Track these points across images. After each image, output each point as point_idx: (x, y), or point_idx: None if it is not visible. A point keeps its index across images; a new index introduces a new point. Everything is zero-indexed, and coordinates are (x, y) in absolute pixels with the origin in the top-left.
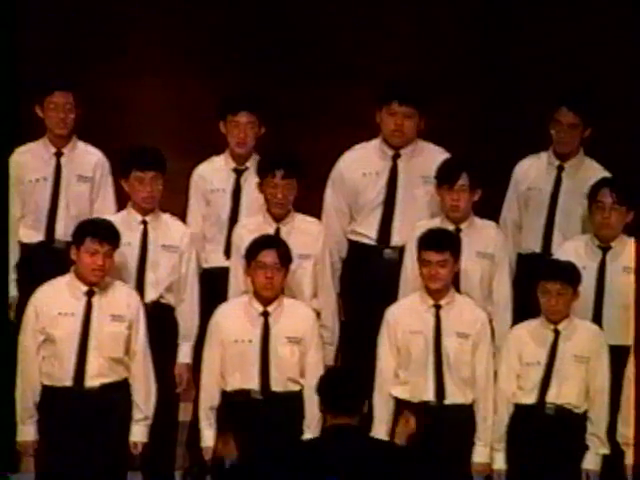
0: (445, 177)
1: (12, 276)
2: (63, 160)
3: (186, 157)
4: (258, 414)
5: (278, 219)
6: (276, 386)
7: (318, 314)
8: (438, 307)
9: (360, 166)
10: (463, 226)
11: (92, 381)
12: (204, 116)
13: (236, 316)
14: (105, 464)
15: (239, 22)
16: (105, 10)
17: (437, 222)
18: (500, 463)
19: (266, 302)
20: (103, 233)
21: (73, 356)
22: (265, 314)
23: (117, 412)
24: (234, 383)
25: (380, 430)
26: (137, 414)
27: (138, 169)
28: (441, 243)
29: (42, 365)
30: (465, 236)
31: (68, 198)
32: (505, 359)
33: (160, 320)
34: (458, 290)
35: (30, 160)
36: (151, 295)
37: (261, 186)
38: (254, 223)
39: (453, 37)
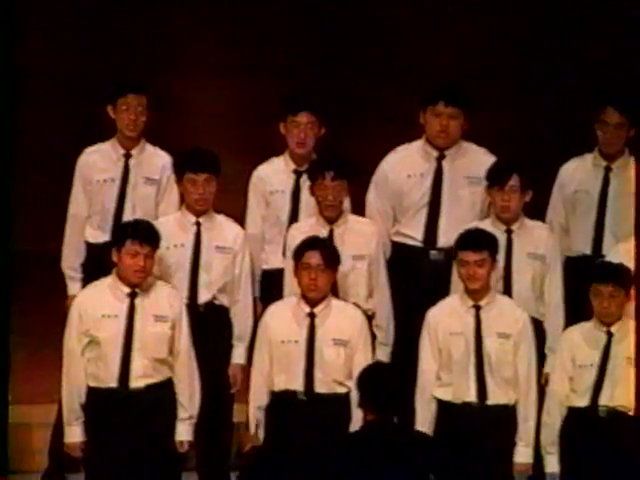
0: (496, 178)
1: (78, 275)
2: (131, 162)
3: (243, 158)
4: (303, 415)
5: (331, 221)
6: (321, 388)
7: (372, 315)
8: (478, 308)
9: (404, 168)
10: (514, 227)
11: (137, 382)
12: (261, 117)
13: (284, 317)
14: (157, 464)
15: (295, 24)
16: (164, 12)
17: (488, 223)
18: (553, 466)
19: (313, 303)
20: (143, 234)
21: (117, 357)
22: (312, 315)
23: (162, 412)
24: (280, 384)
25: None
26: (182, 413)
27: (191, 171)
28: (478, 243)
29: (87, 367)
30: (516, 237)
31: (134, 200)
32: (558, 362)
33: (214, 321)
34: (510, 291)
35: (99, 160)
36: (205, 296)
37: (312, 188)
38: (307, 225)
39: (498, 38)
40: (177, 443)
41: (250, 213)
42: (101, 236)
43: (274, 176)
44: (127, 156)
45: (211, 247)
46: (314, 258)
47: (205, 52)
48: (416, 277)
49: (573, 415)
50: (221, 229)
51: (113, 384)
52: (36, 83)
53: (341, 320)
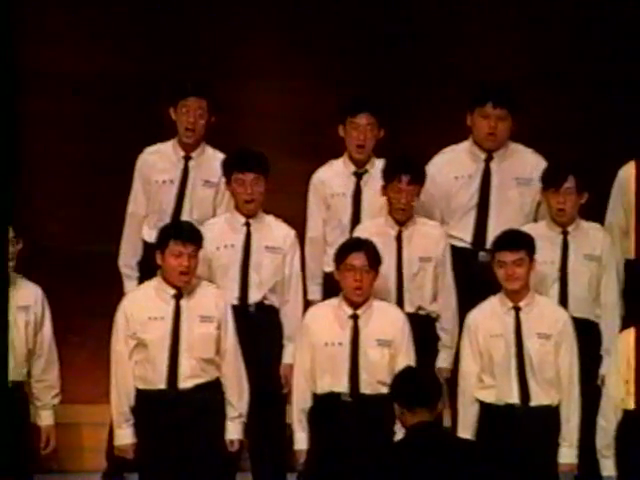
0: (551, 180)
1: (134, 273)
2: (191, 164)
3: (299, 160)
4: (348, 417)
5: (400, 223)
6: (365, 389)
7: (436, 317)
8: (518, 309)
9: (451, 169)
10: (570, 229)
11: (185, 382)
12: (317, 119)
13: (326, 319)
14: (209, 463)
15: (349, 27)
16: (220, 12)
17: (543, 225)
18: (609, 470)
19: (355, 305)
20: (186, 234)
21: (165, 359)
22: (354, 317)
23: (211, 411)
24: (324, 386)
25: (464, 435)
26: (231, 412)
27: (239, 171)
28: (515, 243)
29: (135, 369)
30: (572, 239)
31: (192, 202)
32: (613, 364)
33: (264, 321)
34: (566, 293)
35: (158, 161)
36: (255, 296)
37: (385, 189)
38: (375, 226)
39: (550, 37)
40: (228, 442)
41: (311, 216)
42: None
43: (334, 179)
44: (187, 158)
45: (261, 247)
46: (359, 259)
47: (262, 54)
48: (465, 278)
49: (629, 418)
50: (270, 229)
51: (162, 385)
52: (98, 84)
53: (384, 321)
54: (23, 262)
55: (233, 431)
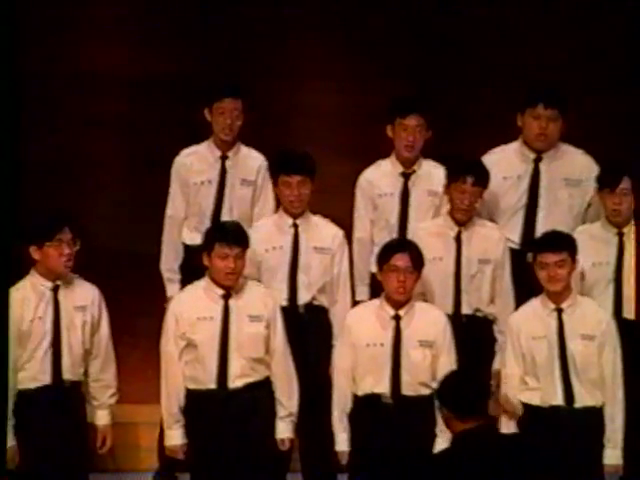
0: (606, 181)
1: (176, 277)
2: (228, 164)
3: (346, 160)
4: (389, 418)
5: (460, 223)
6: (407, 390)
7: (493, 320)
8: (560, 310)
9: (500, 170)
10: (625, 230)
11: (235, 382)
12: (365, 119)
13: (368, 320)
14: (260, 462)
15: (399, 27)
16: (270, 13)
17: (598, 226)
18: None
19: (398, 306)
20: (231, 236)
21: (215, 359)
22: (397, 318)
23: (262, 410)
24: (365, 387)
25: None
26: (281, 411)
27: (285, 173)
28: (557, 244)
29: (185, 370)
30: (627, 240)
31: (232, 201)
32: None
33: (314, 322)
34: (620, 294)
35: (196, 163)
36: (304, 297)
37: (448, 189)
38: (435, 225)
39: (602, 36)
40: (278, 441)
41: (358, 217)
42: (199, 237)
43: (382, 179)
44: (223, 158)
45: (309, 248)
46: (402, 260)
47: (311, 55)
48: (514, 279)
49: None
50: (318, 230)
51: (212, 385)
52: (149, 86)
53: (425, 322)
54: (78, 263)
55: (283, 430)
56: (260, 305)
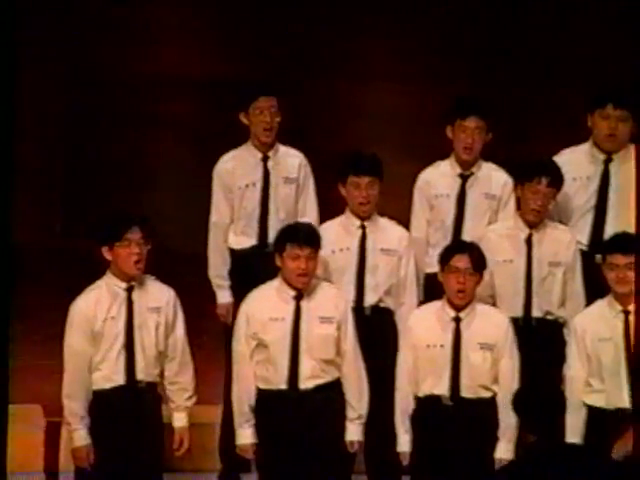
0: None
1: (226, 283)
2: (270, 164)
3: (411, 161)
4: (448, 420)
5: (531, 225)
6: (466, 392)
7: (564, 323)
8: (627, 313)
9: (570, 170)
10: None
11: (306, 383)
12: (428, 121)
13: (428, 321)
14: (328, 463)
15: (460, 30)
16: (334, 15)
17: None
18: None
19: (458, 308)
20: (302, 237)
21: (286, 360)
22: (457, 320)
23: (332, 412)
24: (425, 389)
25: (573, 440)
26: (351, 413)
27: (354, 174)
28: (627, 245)
29: (256, 369)
30: None
31: (277, 201)
32: None
33: (380, 324)
34: None
35: (238, 167)
36: (371, 299)
37: (521, 189)
38: (505, 227)
39: None
40: (347, 443)
41: (415, 217)
42: (247, 241)
43: (439, 180)
44: (265, 159)
45: (376, 250)
46: (462, 262)
47: (373, 57)
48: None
49: None
50: (385, 232)
51: (283, 386)
52: (205, 86)
53: (486, 324)
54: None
55: (353, 432)
56: (331, 307)
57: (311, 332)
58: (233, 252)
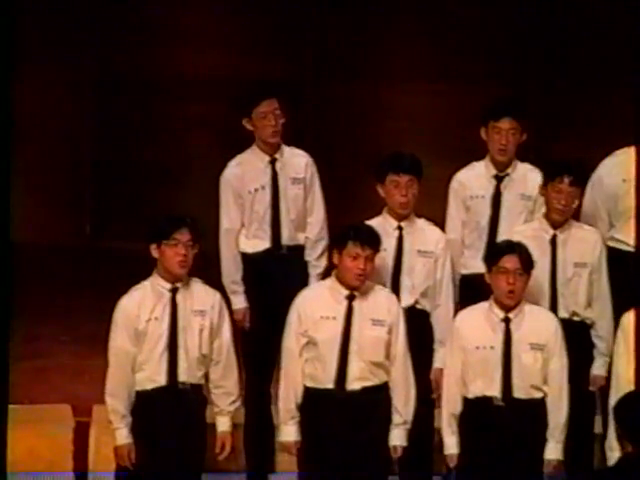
0: None
1: (240, 288)
2: (278, 166)
3: (443, 162)
4: (500, 421)
5: (556, 226)
6: (518, 393)
7: (591, 324)
8: None
9: (620, 172)
10: None
11: (353, 384)
12: (461, 122)
13: (477, 322)
14: (369, 467)
15: (497, 27)
16: (365, 16)
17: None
18: None
19: (507, 308)
20: (365, 237)
21: (335, 359)
22: (506, 320)
23: (377, 415)
24: (476, 390)
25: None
26: (397, 418)
27: (394, 173)
28: None
29: (305, 367)
30: None
31: (287, 202)
32: None
33: (416, 325)
34: None
35: (246, 171)
36: (407, 300)
37: (545, 189)
38: (530, 229)
39: None
40: (391, 448)
41: (450, 218)
42: (260, 245)
43: (475, 181)
44: (272, 162)
45: (413, 251)
46: (511, 262)
47: (405, 57)
48: (628, 282)
49: None
50: (423, 233)
51: (330, 385)
52: (237, 87)
53: (536, 324)
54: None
55: (397, 437)
56: (384, 310)
57: (362, 333)
58: (246, 256)
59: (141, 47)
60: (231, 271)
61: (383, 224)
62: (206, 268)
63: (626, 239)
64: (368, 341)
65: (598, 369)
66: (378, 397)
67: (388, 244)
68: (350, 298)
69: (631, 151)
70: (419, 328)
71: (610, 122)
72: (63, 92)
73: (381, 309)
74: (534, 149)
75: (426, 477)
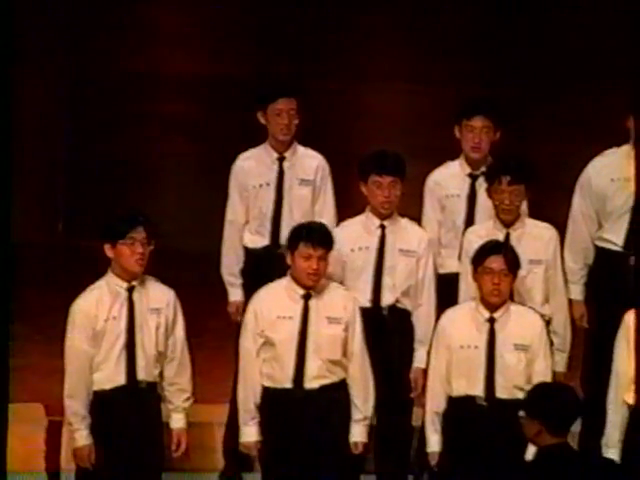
0: None
1: (238, 281)
2: (286, 165)
3: (418, 162)
4: (483, 421)
5: (507, 224)
6: (501, 393)
7: (549, 320)
8: None
9: (609, 172)
10: None
11: (311, 383)
12: (437, 122)
13: (462, 322)
14: (333, 464)
15: (470, 28)
16: (340, 17)
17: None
18: None
19: (493, 308)
20: (316, 237)
21: (292, 359)
22: (491, 320)
23: (337, 413)
24: (459, 389)
25: (613, 435)
26: (356, 414)
27: (377, 173)
28: None
29: (263, 367)
30: None
31: (291, 202)
32: None
33: (396, 324)
34: None
35: (254, 166)
36: (388, 299)
37: (489, 191)
38: (484, 229)
39: None
40: (352, 444)
41: (426, 217)
42: (260, 241)
43: (450, 180)
44: (281, 159)
45: (395, 250)
46: (497, 263)
47: (385, 58)
48: (616, 283)
49: None
50: (405, 232)
51: (288, 385)
52: (207, 87)
53: (521, 325)
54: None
55: (357, 434)
56: (340, 307)
57: (319, 332)
58: (247, 251)
59: (115, 47)
60: (230, 263)
61: (366, 222)
62: (174, 265)
63: (615, 239)
64: (325, 339)
65: (555, 365)
66: (337, 395)
67: (370, 242)
68: (306, 297)
69: (620, 151)
70: (400, 327)
71: (585, 122)
72: (37, 91)
73: (337, 307)
74: (508, 148)
75: (403, 476)
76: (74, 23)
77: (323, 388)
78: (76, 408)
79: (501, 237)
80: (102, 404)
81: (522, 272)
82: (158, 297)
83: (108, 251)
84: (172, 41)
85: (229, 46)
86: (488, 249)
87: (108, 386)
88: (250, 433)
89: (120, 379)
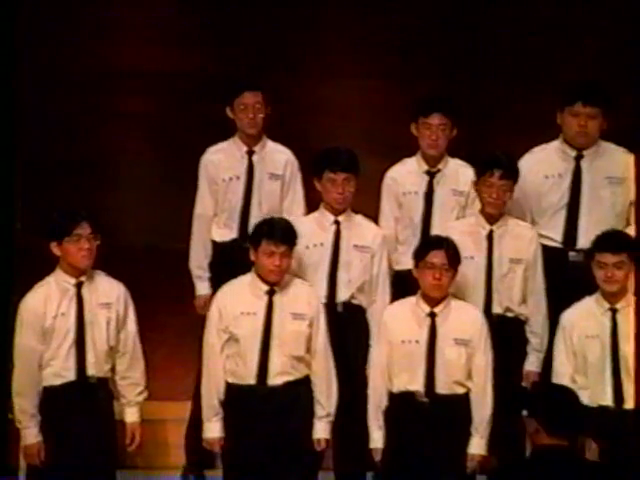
0: None
1: (206, 274)
2: (255, 158)
3: (375, 158)
4: (423, 416)
5: (491, 220)
6: (441, 388)
7: (525, 320)
8: (614, 311)
9: (542, 168)
10: None
11: (275, 379)
12: (394, 119)
13: (403, 316)
14: (294, 461)
15: (425, 27)
16: (298, 13)
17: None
18: None
19: (433, 303)
20: (279, 234)
21: (256, 355)
22: (432, 315)
23: (300, 409)
24: (400, 384)
25: None
26: (319, 411)
27: (331, 170)
28: (617, 245)
29: (226, 363)
30: None
31: (260, 196)
32: None
33: (351, 321)
34: None
35: (223, 159)
36: (343, 295)
37: (476, 184)
38: (466, 224)
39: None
40: (314, 441)
41: (383, 214)
42: (228, 234)
43: (407, 177)
44: (250, 153)
45: (350, 246)
46: (438, 257)
47: (337, 53)
48: (556, 278)
49: None
50: (360, 228)
51: (252, 381)
52: (174, 83)
53: (461, 320)
54: (101, 261)
55: (320, 430)
56: (304, 304)
57: (283, 328)
58: (215, 244)
59: (77, 42)
60: (198, 256)
61: (320, 219)
62: (133, 262)
63: (553, 235)
64: (289, 335)
65: (531, 365)
66: (300, 391)
67: (325, 239)
68: (270, 293)
69: (549, 147)
70: (355, 323)
71: (539, 118)
72: None
73: (301, 303)
74: (466, 145)
75: (361, 474)
76: (36, 17)
77: (287, 384)
78: (25, 406)
79: (484, 234)
80: (52, 400)
81: (503, 270)
82: (108, 292)
83: (55, 249)
84: (132, 37)
85: (191, 42)
86: (430, 244)
87: (58, 382)
88: (213, 429)
89: (70, 375)
